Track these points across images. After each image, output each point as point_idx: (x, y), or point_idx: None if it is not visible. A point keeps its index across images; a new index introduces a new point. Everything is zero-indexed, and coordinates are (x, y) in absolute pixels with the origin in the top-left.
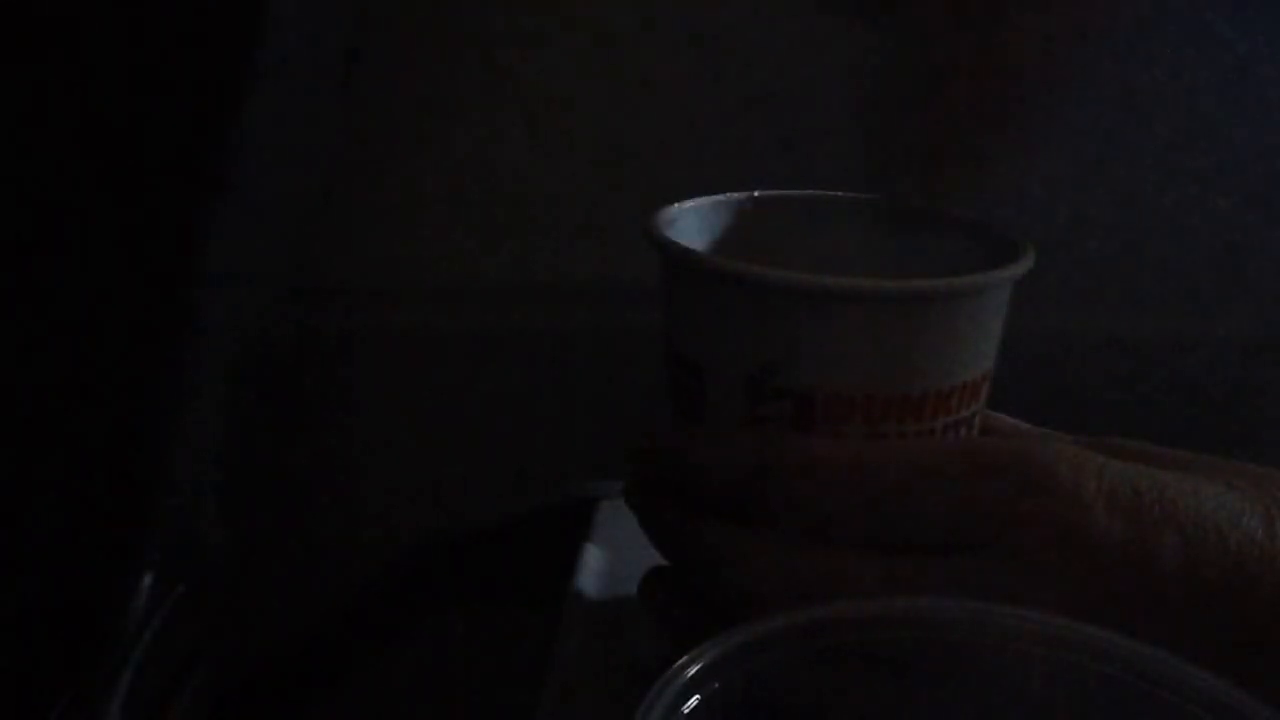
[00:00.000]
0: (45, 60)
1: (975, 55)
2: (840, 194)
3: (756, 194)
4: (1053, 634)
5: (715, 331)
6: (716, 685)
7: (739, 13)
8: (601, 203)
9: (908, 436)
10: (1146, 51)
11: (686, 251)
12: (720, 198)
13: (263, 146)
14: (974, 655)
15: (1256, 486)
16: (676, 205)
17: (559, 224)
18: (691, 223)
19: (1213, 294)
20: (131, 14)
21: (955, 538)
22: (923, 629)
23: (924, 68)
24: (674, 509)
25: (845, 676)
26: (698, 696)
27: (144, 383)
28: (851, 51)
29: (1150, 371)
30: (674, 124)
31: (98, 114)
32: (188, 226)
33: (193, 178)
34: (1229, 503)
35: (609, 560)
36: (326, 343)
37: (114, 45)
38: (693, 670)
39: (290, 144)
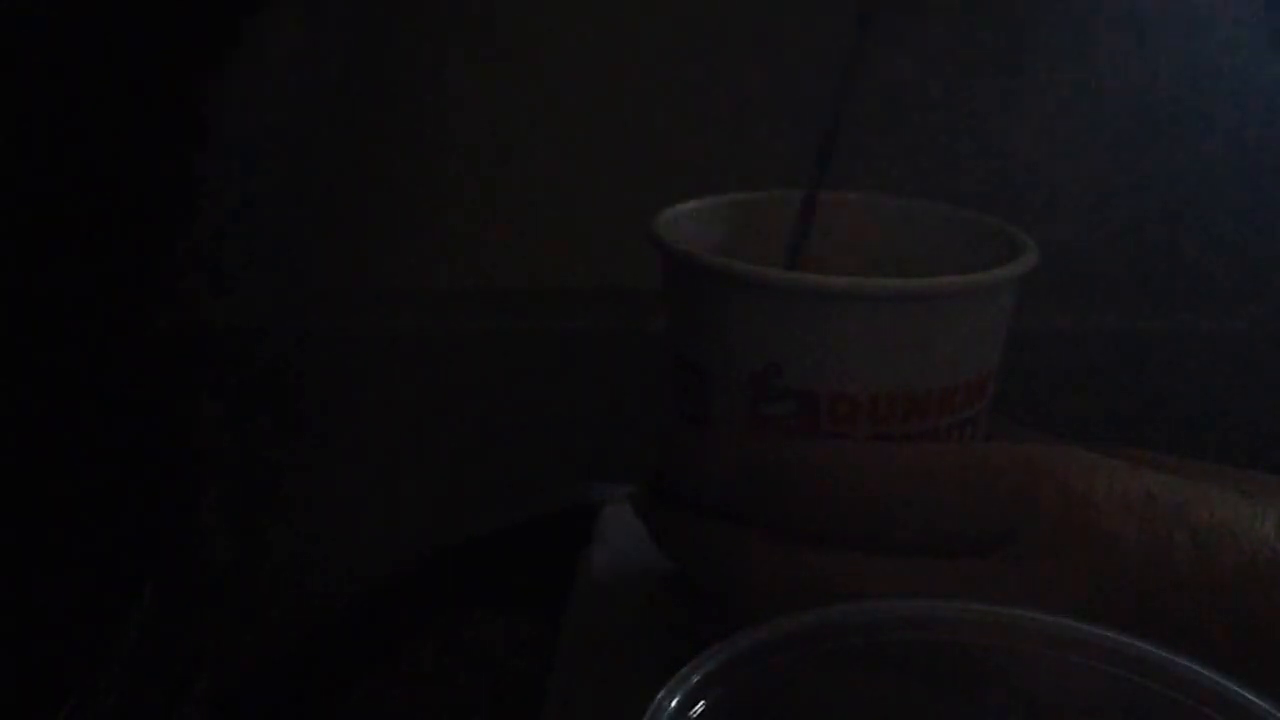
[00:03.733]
0: (50, 60)
1: None
2: (845, 193)
3: (759, 194)
4: (1062, 636)
5: (719, 333)
6: (723, 690)
7: (743, 12)
8: (604, 205)
9: (912, 435)
10: (1152, 47)
11: (689, 253)
12: (723, 199)
13: (263, 150)
14: (983, 658)
15: (1269, 493)
16: (679, 207)
17: (562, 227)
18: (694, 224)
19: (1215, 291)
20: (136, 18)
21: (965, 541)
22: (931, 632)
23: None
24: (681, 512)
25: (853, 680)
26: (704, 702)
27: (147, 389)
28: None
29: (1154, 370)
30: (677, 125)
31: (96, 115)
32: (188, 230)
33: (196, 180)
34: (1241, 507)
35: (613, 564)
36: (328, 346)
37: (116, 48)
38: (699, 675)
39: (290, 147)
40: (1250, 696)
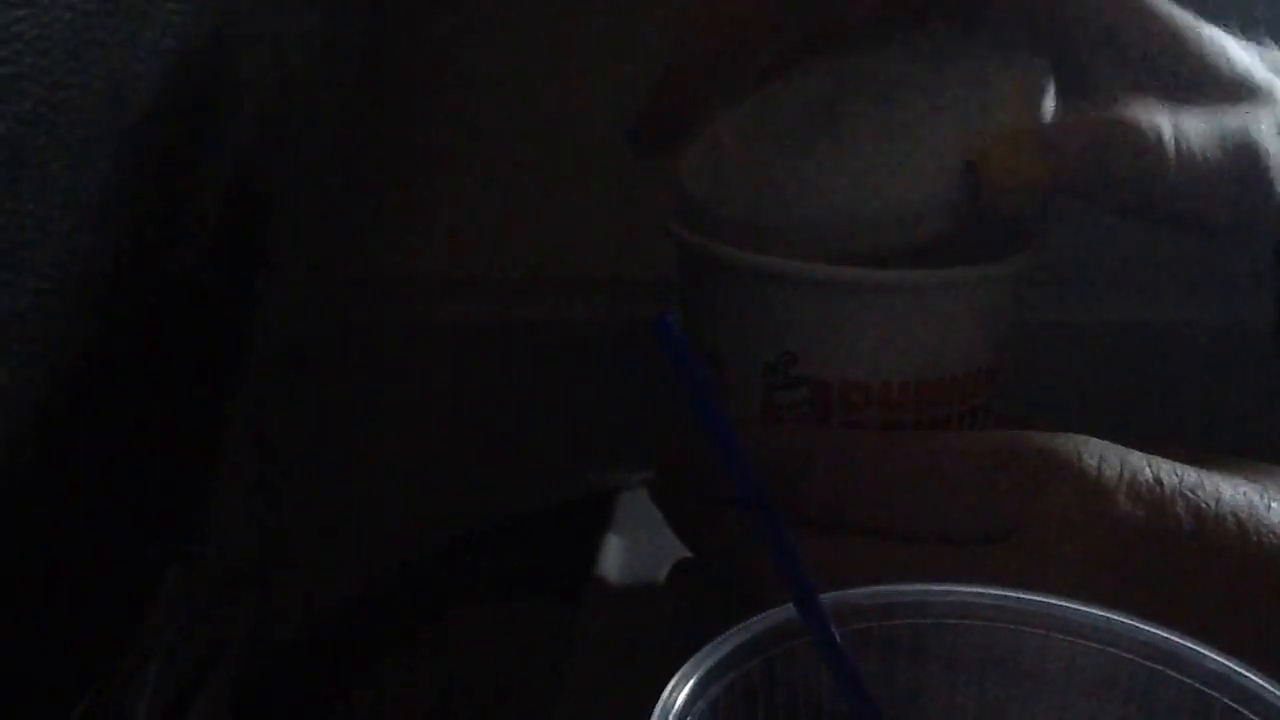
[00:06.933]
0: None
1: None
2: None
3: None
4: (1071, 621)
5: (732, 322)
6: (738, 674)
7: None
8: (619, 195)
9: (924, 423)
10: None
11: (703, 243)
12: None
13: (284, 140)
14: (993, 642)
15: (1277, 482)
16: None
17: (578, 216)
18: None
19: (1224, 283)
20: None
21: (977, 528)
22: (942, 617)
23: None
24: (698, 500)
25: (865, 664)
26: (719, 685)
27: (170, 378)
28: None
29: (1165, 362)
30: None
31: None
32: (212, 223)
33: (209, 177)
34: (1251, 495)
35: (630, 550)
36: (348, 335)
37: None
38: (714, 660)
39: (312, 138)
40: (1257, 680)
